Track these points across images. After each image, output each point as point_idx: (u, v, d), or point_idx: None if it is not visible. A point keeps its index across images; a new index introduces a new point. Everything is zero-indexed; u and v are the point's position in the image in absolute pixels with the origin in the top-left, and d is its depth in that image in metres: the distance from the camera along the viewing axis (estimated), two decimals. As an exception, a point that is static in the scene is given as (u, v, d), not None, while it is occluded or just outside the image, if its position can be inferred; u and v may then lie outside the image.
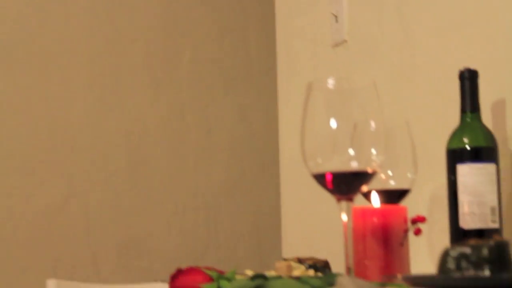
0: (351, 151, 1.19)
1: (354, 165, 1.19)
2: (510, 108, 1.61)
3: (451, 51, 1.79)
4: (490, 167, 1.49)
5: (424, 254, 1.74)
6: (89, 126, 2.31)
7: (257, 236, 2.48)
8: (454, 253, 0.99)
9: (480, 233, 1.45)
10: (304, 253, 2.01)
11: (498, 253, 0.98)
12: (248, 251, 2.47)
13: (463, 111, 1.53)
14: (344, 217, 1.19)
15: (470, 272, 0.97)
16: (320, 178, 1.19)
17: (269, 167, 2.50)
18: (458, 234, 1.48)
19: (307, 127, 1.22)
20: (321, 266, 1.46)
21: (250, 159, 2.49)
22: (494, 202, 1.48)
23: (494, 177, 1.49)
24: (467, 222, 1.47)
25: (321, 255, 1.56)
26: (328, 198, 1.29)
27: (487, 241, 0.98)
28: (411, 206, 1.62)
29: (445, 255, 1.00)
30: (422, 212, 1.77)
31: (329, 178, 1.18)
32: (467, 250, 0.98)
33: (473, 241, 0.99)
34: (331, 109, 1.21)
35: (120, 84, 2.36)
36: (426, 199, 1.79)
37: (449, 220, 1.51)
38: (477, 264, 0.97)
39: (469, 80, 1.52)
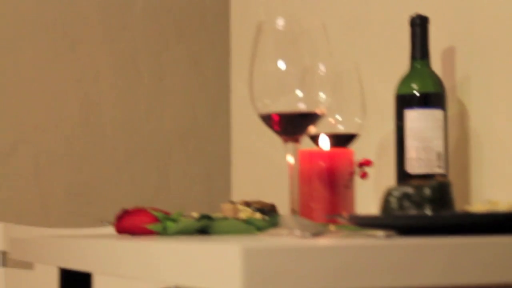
0: (299, 93, 1.19)
1: (301, 107, 1.19)
2: (459, 55, 1.62)
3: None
4: (437, 113, 1.50)
5: (371, 198, 1.75)
6: (40, 72, 2.28)
7: (207, 182, 2.48)
8: (396, 193, 1.00)
9: (426, 178, 1.47)
10: (254, 197, 2.02)
11: (440, 193, 0.99)
12: (198, 196, 2.47)
13: (413, 57, 1.54)
14: (290, 158, 1.19)
15: (412, 212, 0.98)
16: (267, 118, 1.19)
17: (220, 113, 2.50)
18: (404, 179, 1.49)
19: (255, 68, 1.21)
20: (268, 209, 1.46)
21: (201, 105, 2.49)
22: (441, 148, 1.49)
23: (441, 123, 1.50)
24: (413, 167, 1.49)
25: (270, 199, 1.57)
26: (277, 143, 1.29)
27: (429, 181, 0.99)
28: (360, 150, 1.63)
29: (387, 195, 1.00)
30: (371, 157, 1.78)
31: (275, 118, 1.18)
32: (409, 190, 0.99)
33: (415, 181, 1.00)
34: (279, 50, 1.20)
35: (72, 31, 2.32)
36: (375, 144, 1.80)
37: (395, 164, 1.52)
38: (419, 204, 0.98)
39: (419, 27, 1.52)
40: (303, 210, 1.35)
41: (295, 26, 1.22)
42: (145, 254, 0.92)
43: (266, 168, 2.28)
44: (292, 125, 1.19)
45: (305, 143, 1.48)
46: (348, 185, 1.35)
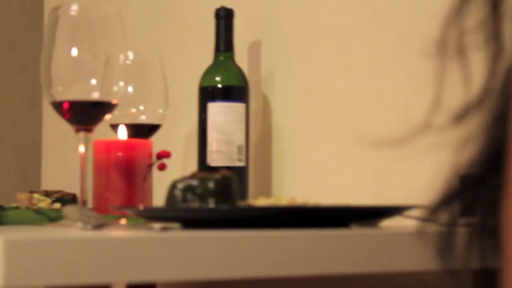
0: (94, 81, 1.17)
1: (95, 95, 1.16)
2: (265, 50, 1.63)
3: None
4: (240, 107, 1.51)
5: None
6: None
7: (20, 170, 2.42)
8: (181, 185, 0.99)
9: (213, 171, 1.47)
10: (65, 187, 1.97)
11: (224, 186, 0.99)
12: (12, 185, 2.40)
13: (217, 49, 1.54)
14: (82, 148, 1.16)
15: (195, 204, 0.98)
16: (58, 106, 1.16)
17: (36, 100, 2.44)
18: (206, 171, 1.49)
19: (49, 54, 1.18)
20: (69, 199, 1.43)
21: (18, 91, 2.42)
22: (242, 141, 1.50)
23: (243, 117, 1.51)
24: (214, 159, 1.49)
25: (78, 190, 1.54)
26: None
27: (213, 174, 0.99)
28: (167, 142, 1.62)
29: (172, 187, 1.00)
30: (178, 148, 1.78)
31: (65, 107, 1.15)
32: (194, 182, 0.99)
33: (200, 174, 1.00)
34: (74, 37, 1.17)
35: None
36: (182, 136, 1.80)
37: (197, 157, 1.52)
38: (203, 196, 0.98)
39: (224, 19, 1.53)
40: (99, 201, 1.32)
41: (90, 13, 1.19)
42: None
43: (75, 158, 2.23)
44: (83, 114, 1.16)
45: (109, 134, 1.46)
46: (146, 177, 1.33)
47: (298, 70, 1.56)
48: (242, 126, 1.50)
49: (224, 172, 1.00)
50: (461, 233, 0.51)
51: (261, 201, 1.01)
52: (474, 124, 0.50)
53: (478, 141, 0.50)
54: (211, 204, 0.97)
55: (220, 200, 0.98)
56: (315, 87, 1.52)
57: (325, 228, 0.95)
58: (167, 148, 1.42)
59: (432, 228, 0.53)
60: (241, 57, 1.61)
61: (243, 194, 1.49)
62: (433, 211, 0.53)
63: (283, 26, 1.60)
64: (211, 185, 0.98)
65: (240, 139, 1.50)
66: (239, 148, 1.50)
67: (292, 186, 1.56)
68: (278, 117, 1.59)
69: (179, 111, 1.73)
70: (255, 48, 1.64)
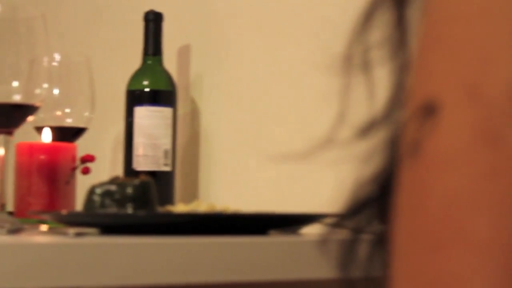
0: (15, 83, 1.15)
1: (16, 98, 1.15)
2: (194, 54, 1.63)
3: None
4: (167, 111, 1.50)
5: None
6: None
7: None
8: (99, 190, 0.98)
9: (153, 175, 1.46)
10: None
11: (142, 191, 0.98)
12: None
13: (145, 53, 1.53)
14: (1, 151, 1.15)
15: (113, 209, 0.97)
16: (-24, 109, 1.14)
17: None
18: (131, 176, 1.48)
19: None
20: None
21: None
22: (168, 146, 1.50)
23: (170, 121, 1.50)
24: (140, 163, 1.48)
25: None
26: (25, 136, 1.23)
27: (132, 179, 0.99)
28: (95, 145, 1.61)
29: (90, 193, 0.99)
30: (106, 152, 1.76)
31: (-16, 109, 1.13)
32: (112, 187, 0.98)
33: (119, 179, 0.99)
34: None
35: None
36: (110, 139, 1.78)
37: (123, 161, 1.51)
38: (121, 202, 0.97)
39: (153, 23, 1.52)
40: (20, 204, 1.31)
41: (13, 14, 1.17)
42: None
43: None
44: (3, 117, 1.14)
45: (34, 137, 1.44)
46: (69, 181, 1.32)
47: (226, 75, 1.56)
48: (169, 131, 1.50)
49: (143, 177, 1.00)
50: (365, 242, 0.52)
51: (180, 207, 1.01)
52: (378, 138, 0.50)
53: (381, 155, 0.50)
54: (129, 209, 0.97)
55: (139, 206, 0.97)
56: (243, 92, 1.52)
57: (244, 235, 0.95)
58: (95, 152, 1.41)
59: (337, 236, 0.53)
60: (170, 61, 1.60)
61: (170, 199, 1.48)
62: (339, 221, 0.53)
63: (212, 31, 1.60)
64: (129, 190, 0.97)
65: (166, 143, 1.49)
66: (166, 152, 1.49)
67: (219, 192, 1.56)
68: (206, 122, 1.59)
69: (108, 114, 1.72)
70: (184, 52, 1.64)
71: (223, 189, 1.55)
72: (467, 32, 0.40)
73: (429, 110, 0.40)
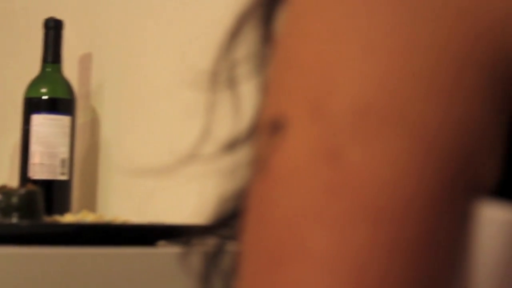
0: None
1: None
2: (95, 63, 1.62)
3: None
4: (65, 119, 1.49)
5: None
6: None
7: None
8: (-16, 199, 0.97)
9: (49, 184, 1.45)
10: None
11: (28, 201, 0.97)
12: None
13: (44, 60, 1.52)
14: None
15: (-4, 219, 0.96)
16: None
17: None
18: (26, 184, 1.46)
19: None
20: None
21: None
22: (66, 155, 1.48)
23: (68, 130, 1.49)
24: (36, 172, 1.46)
25: None
26: None
27: (18, 189, 0.98)
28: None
29: (-25, 201, 0.97)
30: (4, 161, 1.74)
31: None
32: (-3, 197, 0.97)
33: (4, 189, 0.98)
34: None
35: None
36: (8, 147, 1.76)
37: (19, 169, 1.49)
38: (6, 211, 0.96)
39: (53, 30, 1.51)
40: None
41: None
42: None
43: None
44: None
45: None
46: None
47: (127, 84, 1.55)
48: (67, 139, 1.48)
49: (30, 186, 0.99)
50: (227, 256, 0.52)
51: (67, 218, 1.00)
52: (242, 154, 0.51)
53: (244, 171, 0.51)
54: (14, 219, 0.96)
55: (24, 216, 0.96)
56: (141, 102, 1.52)
57: (131, 246, 0.95)
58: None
59: (200, 249, 0.54)
60: (71, 70, 1.59)
61: (66, 209, 1.47)
62: (202, 235, 0.53)
63: (113, 39, 1.59)
64: (14, 200, 0.96)
65: (64, 152, 1.48)
66: (63, 161, 1.47)
67: (117, 202, 1.55)
68: (107, 131, 1.58)
69: (5, 122, 1.69)
70: (85, 61, 1.62)
71: (121, 199, 1.54)
72: (314, 50, 0.41)
73: (276, 127, 0.41)
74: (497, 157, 0.40)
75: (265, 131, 0.42)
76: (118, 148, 1.56)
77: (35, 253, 0.84)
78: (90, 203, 1.58)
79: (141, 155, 1.50)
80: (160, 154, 1.40)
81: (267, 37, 0.51)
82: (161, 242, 1.01)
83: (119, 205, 1.54)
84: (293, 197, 0.39)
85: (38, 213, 0.97)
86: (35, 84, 1.50)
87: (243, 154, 0.51)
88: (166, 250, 0.97)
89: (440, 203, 0.39)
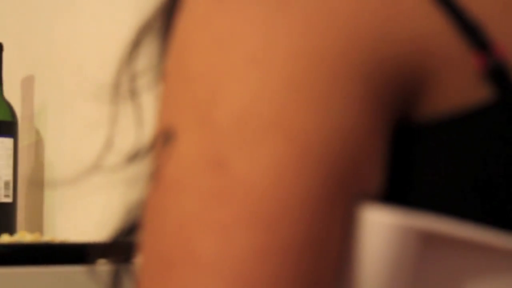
0: None
1: None
2: (38, 85, 1.62)
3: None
4: (7, 142, 1.49)
5: None
6: None
7: None
8: None
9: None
10: None
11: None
12: None
13: (-14, 84, 1.52)
14: None
15: None
16: None
17: None
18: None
19: None
20: None
21: None
22: (9, 177, 1.48)
23: (11, 152, 1.49)
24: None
25: None
26: None
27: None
28: None
29: None
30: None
31: None
32: None
33: None
34: None
35: None
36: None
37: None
38: None
39: (-7, 53, 1.51)
40: None
41: None
42: None
43: None
44: None
45: None
46: None
47: (70, 105, 1.55)
48: (9, 161, 1.48)
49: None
50: (132, 271, 0.53)
51: (4, 238, 1.00)
52: (145, 164, 0.52)
53: (146, 181, 0.52)
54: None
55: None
56: (86, 122, 1.52)
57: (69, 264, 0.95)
58: None
59: (106, 265, 0.54)
60: (14, 92, 1.59)
61: (11, 231, 1.46)
62: (108, 246, 0.54)
63: (55, 62, 1.59)
64: None
65: (7, 174, 1.47)
66: (6, 183, 1.47)
67: (63, 223, 1.55)
68: (51, 152, 1.58)
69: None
70: (28, 83, 1.63)
71: (67, 220, 1.54)
72: (200, 62, 0.42)
73: (167, 137, 0.42)
74: (382, 163, 0.42)
75: (158, 141, 0.43)
76: (62, 168, 1.56)
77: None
78: (37, 225, 1.58)
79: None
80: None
81: (165, 49, 0.52)
82: (101, 260, 1.02)
83: (65, 225, 1.54)
84: (181, 204, 0.40)
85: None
86: (-23, 107, 1.51)
87: (146, 164, 0.52)
88: (104, 268, 0.97)
89: (325, 207, 0.40)
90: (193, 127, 0.41)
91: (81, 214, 1.51)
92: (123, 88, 0.53)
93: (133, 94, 0.53)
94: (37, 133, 1.61)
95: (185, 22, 0.44)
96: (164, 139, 0.42)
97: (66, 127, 1.56)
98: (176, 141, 0.41)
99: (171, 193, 0.41)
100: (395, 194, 0.42)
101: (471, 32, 0.41)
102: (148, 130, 0.54)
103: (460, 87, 0.41)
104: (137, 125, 0.53)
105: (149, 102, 0.54)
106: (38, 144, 1.61)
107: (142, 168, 0.52)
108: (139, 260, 0.43)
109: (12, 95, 1.56)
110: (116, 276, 0.53)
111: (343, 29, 0.40)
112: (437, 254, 0.41)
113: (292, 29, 0.41)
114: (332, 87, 0.40)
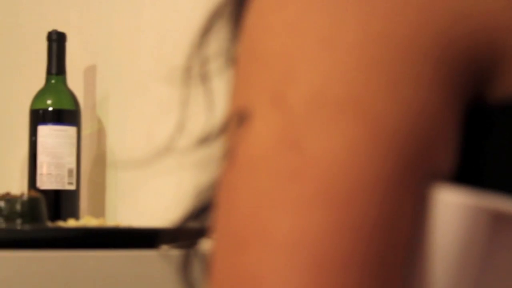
0: None
1: None
2: (100, 74, 1.64)
3: (44, 12, 1.78)
4: (71, 130, 1.51)
5: None
6: None
7: None
8: (-12, 207, 0.99)
9: (57, 194, 1.48)
10: None
11: (31, 207, 1.00)
12: None
13: (48, 72, 1.54)
14: None
15: (2, 225, 0.98)
16: None
17: None
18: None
19: None
20: None
21: None
22: (72, 165, 1.51)
23: (74, 140, 1.51)
24: (44, 182, 1.49)
25: None
26: None
27: (21, 196, 1.00)
28: (6, 165, 1.61)
29: (-20, 209, 1.00)
30: (14, 172, 1.76)
31: None
32: (0, 204, 0.99)
33: (8, 195, 1.00)
34: None
35: None
36: (19, 158, 1.78)
37: (28, 180, 1.52)
38: (10, 217, 0.99)
39: (56, 42, 1.53)
40: None
41: None
42: None
43: None
44: None
45: None
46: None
47: (133, 94, 1.58)
48: (73, 150, 1.51)
49: (32, 193, 1.01)
50: (201, 255, 0.54)
51: (70, 223, 1.02)
52: (216, 147, 0.53)
53: (218, 163, 0.53)
54: (18, 225, 0.98)
55: (27, 221, 0.99)
56: (148, 111, 1.54)
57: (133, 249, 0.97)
58: (3, 171, 1.42)
59: (178, 248, 0.55)
60: (76, 81, 1.61)
61: (75, 218, 1.49)
62: (177, 230, 0.55)
63: (117, 51, 1.61)
64: (18, 206, 0.99)
65: (70, 162, 1.50)
66: (70, 171, 1.50)
67: (125, 210, 1.57)
68: (112, 141, 1.61)
69: (15, 133, 1.72)
70: (90, 72, 1.65)
71: (129, 208, 1.56)
72: (275, 44, 0.43)
73: (242, 118, 0.43)
74: (454, 143, 0.42)
75: (232, 122, 0.44)
76: (124, 157, 1.58)
77: (37, 256, 0.86)
78: (99, 212, 1.61)
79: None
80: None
81: (236, 33, 0.53)
82: (164, 246, 1.03)
83: (127, 213, 1.56)
84: (255, 183, 0.41)
85: (41, 219, 1.00)
86: (40, 96, 1.53)
87: (217, 147, 0.53)
88: (168, 253, 0.99)
89: (397, 187, 0.40)
90: (267, 108, 0.42)
91: (143, 200, 1.53)
92: (194, 72, 0.53)
93: (204, 78, 0.53)
94: (99, 121, 1.64)
95: (259, 5, 0.44)
96: (238, 120, 0.43)
97: (128, 117, 1.58)
98: (251, 121, 0.42)
99: (245, 172, 0.42)
100: (467, 175, 0.42)
101: None
102: (219, 113, 0.55)
103: None
104: (208, 108, 0.54)
105: (220, 86, 0.55)
106: (100, 133, 1.63)
107: (212, 151, 0.53)
108: (211, 241, 0.44)
109: (75, 85, 1.59)
110: (186, 260, 0.54)
111: (415, 8, 0.41)
112: (508, 235, 0.42)
113: (362, 12, 0.41)
114: (403, 68, 0.41)
